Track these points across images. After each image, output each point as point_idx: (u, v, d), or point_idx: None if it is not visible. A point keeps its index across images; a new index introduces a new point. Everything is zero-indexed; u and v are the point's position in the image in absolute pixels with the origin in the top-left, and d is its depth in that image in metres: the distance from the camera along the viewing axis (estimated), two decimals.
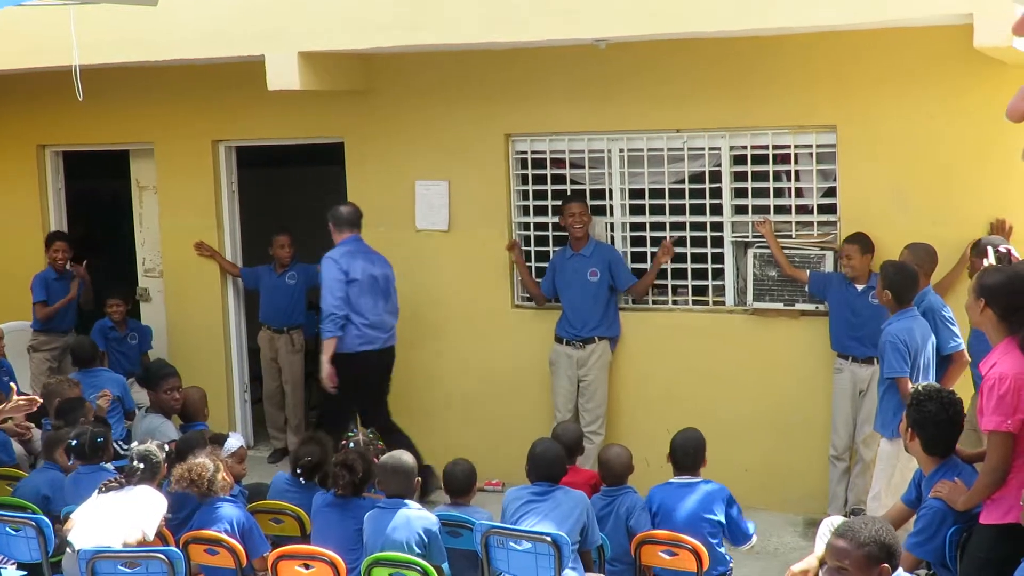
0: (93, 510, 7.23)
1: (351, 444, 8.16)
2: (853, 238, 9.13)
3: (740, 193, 9.78)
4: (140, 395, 10.68)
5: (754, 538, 7.33)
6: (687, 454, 7.38)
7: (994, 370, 6.04)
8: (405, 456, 7.26)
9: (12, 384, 8.43)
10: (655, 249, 10.08)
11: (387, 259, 10.15)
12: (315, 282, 11.70)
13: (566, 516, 6.90)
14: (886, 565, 5.01)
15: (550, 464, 7.18)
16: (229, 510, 7.36)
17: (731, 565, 7.37)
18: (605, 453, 7.77)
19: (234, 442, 8.36)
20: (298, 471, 8.05)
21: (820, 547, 6.59)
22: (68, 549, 7.25)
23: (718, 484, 7.25)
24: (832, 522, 6.94)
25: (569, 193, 10.27)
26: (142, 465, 7.37)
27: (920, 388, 6.66)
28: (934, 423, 6.42)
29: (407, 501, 7.09)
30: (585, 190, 10.26)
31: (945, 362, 8.26)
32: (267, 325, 11.80)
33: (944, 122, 8.98)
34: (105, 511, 7.21)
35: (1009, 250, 8.16)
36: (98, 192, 14.44)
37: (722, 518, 7.16)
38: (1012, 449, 5.99)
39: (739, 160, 9.75)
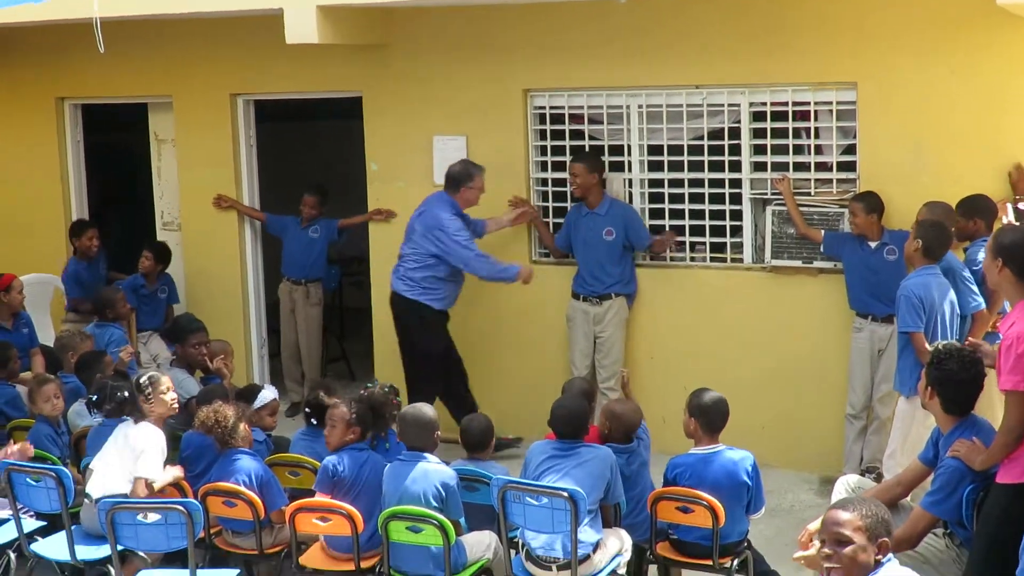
0: (102, 458, 7.41)
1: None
2: (859, 196, 9.13)
3: (759, 150, 9.75)
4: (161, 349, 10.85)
5: (762, 511, 7.31)
6: (722, 416, 7.24)
7: (1012, 329, 6.03)
8: (426, 409, 7.27)
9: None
10: (673, 206, 10.07)
11: (431, 213, 10.05)
12: (335, 236, 11.79)
13: (590, 472, 6.90)
14: (886, 539, 5.04)
15: (574, 420, 7.15)
16: (247, 462, 7.42)
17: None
18: (616, 408, 7.68)
19: (268, 394, 8.46)
20: (307, 410, 8.20)
21: None
22: (86, 499, 7.33)
23: (743, 451, 7.21)
24: (848, 480, 6.99)
25: (587, 149, 10.25)
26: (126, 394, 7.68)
27: (940, 347, 6.64)
28: (954, 382, 6.41)
29: (426, 455, 7.11)
30: (599, 147, 10.25)
31: (966, 322, 8.21)
32: (287, 277, 11.87)
33: (965, 79, 8.93)
34: (112, 457, 7.38)
35: None
36: (116, 145, 14.45)
37: (749, 482, 7.13)
38: None
39: (758, 117, 9.72)
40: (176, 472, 7.49)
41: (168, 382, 7.72)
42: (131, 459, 7.32)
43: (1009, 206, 8.27)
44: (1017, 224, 7.90)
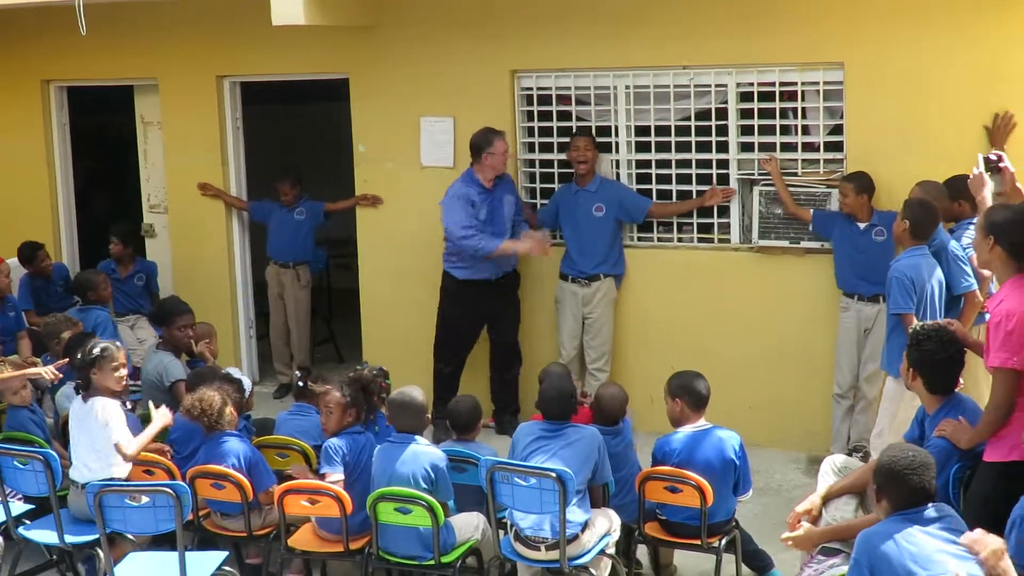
0: (74, 446, 7.40)
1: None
2: (850, 176, 9.14)
3: (746, 130, 9.75)
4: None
5: (750, 492, 7.34)
6: (706, 389, 7.27)
7: (1001, 307, 6.04)
8: (414, 392, 7.27)
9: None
10: (661, 186, 10.07)
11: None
12: (321, 219, 11.76)
13: (577, 453, 6.92)
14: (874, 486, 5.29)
15: (562, 401, 7.16)
16: (235, 444, 7.42)
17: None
18: (600, 392, 7.75)
19: (247, 382, 8.43)
20: (298, 373, 8.30)
21: (823, 485, 6.65)
22: (72, 487, 7.32)
23: (730, 431, 7.21)
24: (835, 460, 7.00)
25: (575, 130, 10.23)
26: (94, 352, 7.44)
27: (920, 327, 6.64)
28: (934, 362, 6.42)
29: (416, 437, 7.12)
30: (587, 128, 10.22)
31: (957, 302, 8.18)
32: (274, 260, 11.82)
33: (952, 59, 8.92)
34: (82, 442, 7.36)
35: (1000, 155, 8.08)
36: (103, 128, 14.40)
37: (736, 461, 7.15)
38: (1017, 386, 6.00)
39: (745, 97, 9.71)
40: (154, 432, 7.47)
41: (122, 358, 7.57)
42: (101, 436, 7.28)
43: (980, 156, 8.17)
44: (986, 175, 7.82)
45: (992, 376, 6.14)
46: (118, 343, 7.81)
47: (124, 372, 7.58)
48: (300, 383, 8.25)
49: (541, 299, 10.43)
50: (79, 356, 7.56)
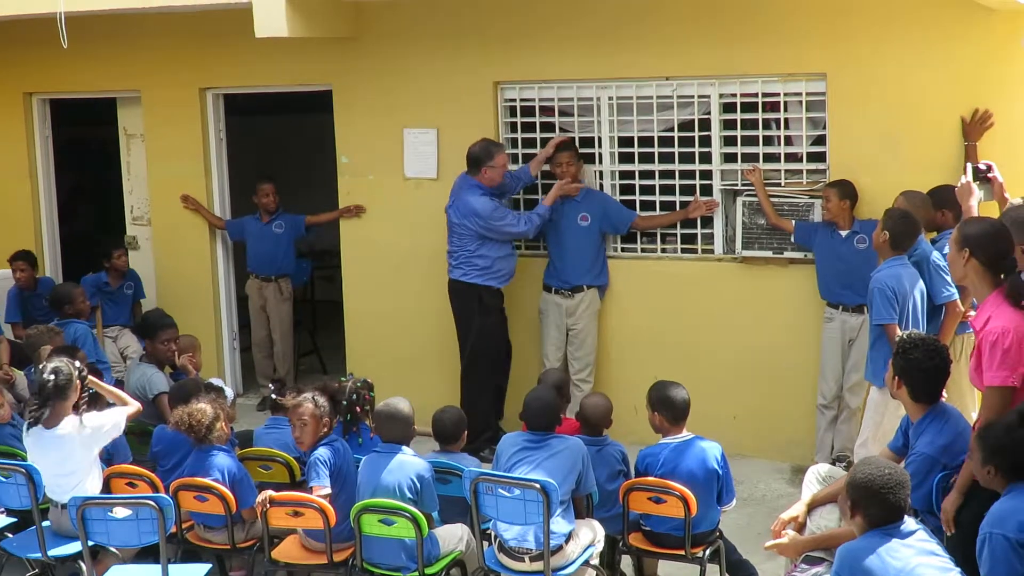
0: (54, 470, 7.29)
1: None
2: (833, 182, 9.17)
3: (729, 141, 9.76)
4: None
5: (734, 502, 7.34)
6: (685, 404, 7.24)
7: (993, 325, 5.98)
8: (401, 403, 7.25)
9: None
10: (645, 197, 10.08)
11: (462, 200, 9.92)
12: (301, 232, 11.75)
13: (561, 464, 6.91)
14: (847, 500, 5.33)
15: (544, 412, 7.16)
16: (222, 459, 7.39)
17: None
18: (584, 401, 7.76)
19: (230, 392, 8.40)
20: (271, 386, 8.32)
21: (807, 494, 6.66)
22: (52, 505, 7.28)
23: (711, 441, 7.21)
24: (819, 470, 7.00)
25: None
26: (51, 379, 7.30)
27: (905, 336, 6.65)
28: (920, 371, 6.41)
29: (403, 447, 7.11)
30: (574, 138, 10.23)
31: (938, 312, 8.21)
32: (255, 273, 11.81)
33: (934, 69, 8.95)
34: (51, 468, 7.27)
35: (990, 166, 8.08)
36: (86, 140, 14.38)
37: (719, 470, 7.14)
38: (1012, 404, 5.92)
39: (728, 108, 9.73)
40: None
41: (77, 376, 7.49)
42: (94, 445, 7.25)
43: (969, 166, 8.17)
44: (974, 184, 7.82)
45: (986, 394, 6.06)
46: (75, 360, 7.73)
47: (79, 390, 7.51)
48: (274, 396, 8.23)
49: (524, 311, 10.42)
50: (37, 391, 7.49)
